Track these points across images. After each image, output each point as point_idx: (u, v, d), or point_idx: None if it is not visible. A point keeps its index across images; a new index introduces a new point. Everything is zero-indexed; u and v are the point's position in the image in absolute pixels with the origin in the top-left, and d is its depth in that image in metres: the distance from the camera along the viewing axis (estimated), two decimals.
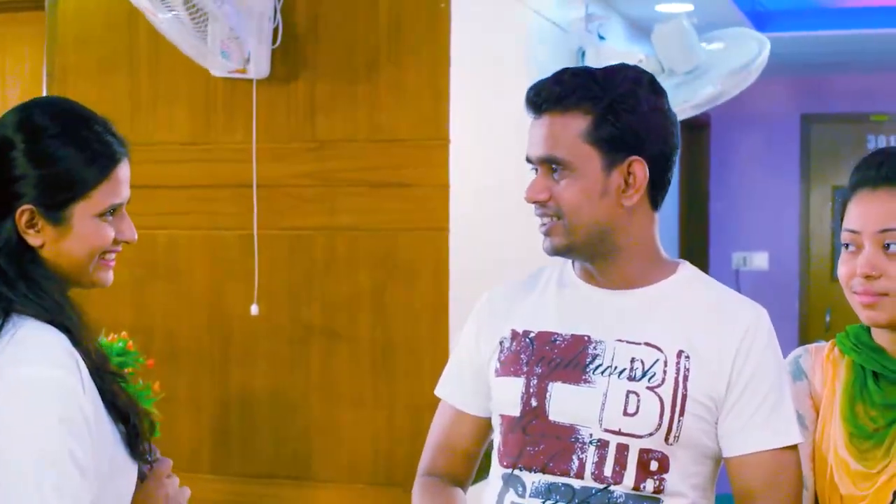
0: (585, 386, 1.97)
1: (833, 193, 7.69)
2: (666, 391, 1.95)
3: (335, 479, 3.92)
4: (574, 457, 1.96)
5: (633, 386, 1.96)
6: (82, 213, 1.82)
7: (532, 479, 1.98)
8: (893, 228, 1.95)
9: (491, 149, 4.01)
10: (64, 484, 1.67)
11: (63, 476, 1.67)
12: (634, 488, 1.94)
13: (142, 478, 1.86)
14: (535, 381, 2.00)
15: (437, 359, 3.66)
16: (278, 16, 3.87)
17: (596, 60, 4.44)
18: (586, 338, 2.00)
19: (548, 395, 1.99)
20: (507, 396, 2.03)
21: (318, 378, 3.94)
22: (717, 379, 1.96)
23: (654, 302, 2.02)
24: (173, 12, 3.54)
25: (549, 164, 1.99)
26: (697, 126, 7.53)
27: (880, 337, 2.03)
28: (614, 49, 5.13)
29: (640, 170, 1.98)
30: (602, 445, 1.95)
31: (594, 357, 1.99)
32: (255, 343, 4.00)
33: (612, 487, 1.94)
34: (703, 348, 1.97)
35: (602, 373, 1.97)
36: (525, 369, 2.02)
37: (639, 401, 1.95)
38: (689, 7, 5.36)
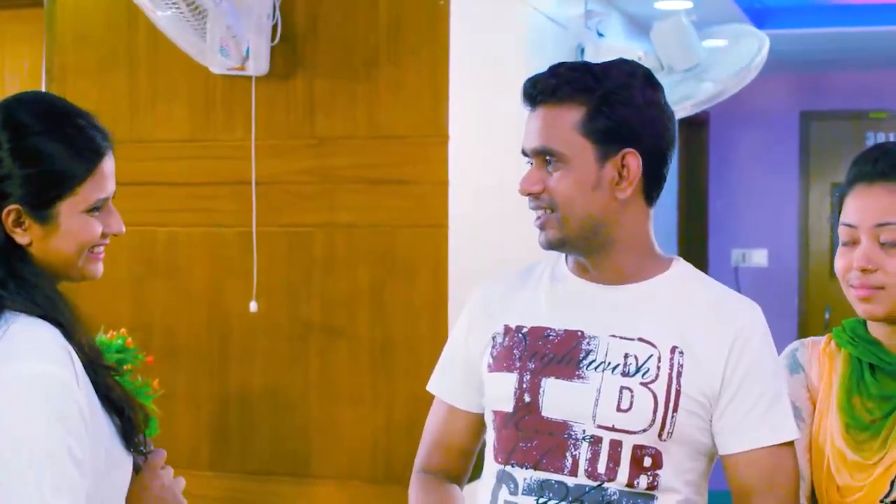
0: (579, 382, 1.97)
1: (832, 190, 7.69)
2: (659, 387, 1.94)
3: (334, 476, 3.92)
4: (567, 454, 1.95)
5: (626, 382, 1.95)
6: (69, 209, 1.80)
7: (524, 476, 1.97)
8: (890, 223, 1.97)
9: (490, 146, 4.00)
10: (63, 482, 1.67)
11: (62, 475, 1.67)
12: (628, 485, 1.94)
13: (137, 470, 1.86)
14: (528, 377, 1.99)
15: (436, 356, 3.61)
16: (277, 13, 3.86)
17: (595, 57, 4.45)
18: (580, 333, 2.00)
19: (541, 391, 1.98)
20: (499, 392, 2.03)
21: (317, 375, 3.94)
22: (711, 376, 1.96)
23: (647, 297, 2.02)
24: (172, 9, 3.54)
25: (543, 156, 1.99)
26: (696, 123, 7.53)
27: (876, 330, 2.05)
28: (613, 46, 5.14)
29: (634, 162, 1.98)
30: (595, 442, 1.94)
31: (588, 352, 1.98)
32: (254, 340, 3.99)
33: (605, 484, 1.94)
34: (697, 345, 1.96)
35: (595, 368, 1.97)
36: (518, 365, 2.01)
37: (632, 397, 1.94)
38: (689, 4, 5.35)
